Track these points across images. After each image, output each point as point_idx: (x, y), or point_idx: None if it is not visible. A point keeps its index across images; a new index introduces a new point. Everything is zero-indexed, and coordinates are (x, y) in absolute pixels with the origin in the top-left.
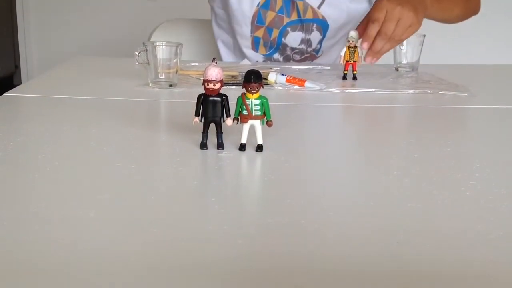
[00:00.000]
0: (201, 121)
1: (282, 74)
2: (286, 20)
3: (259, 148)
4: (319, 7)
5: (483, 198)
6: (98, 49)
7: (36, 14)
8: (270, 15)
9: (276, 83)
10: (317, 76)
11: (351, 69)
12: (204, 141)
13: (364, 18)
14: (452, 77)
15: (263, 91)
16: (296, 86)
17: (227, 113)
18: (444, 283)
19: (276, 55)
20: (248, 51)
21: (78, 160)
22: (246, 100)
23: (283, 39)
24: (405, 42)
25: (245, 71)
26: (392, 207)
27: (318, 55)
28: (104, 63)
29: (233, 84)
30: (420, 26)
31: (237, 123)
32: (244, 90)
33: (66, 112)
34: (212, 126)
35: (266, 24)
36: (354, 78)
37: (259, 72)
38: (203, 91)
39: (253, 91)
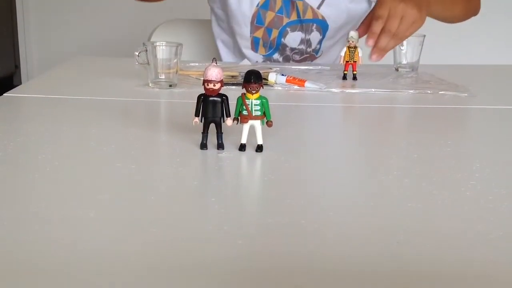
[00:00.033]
0: (201, 121)
1: (282, 74)
2: (285, 21)
3: (259, 148)
4: (318, 7)
5: (483, 198)
6: (98, 49)
7: (36, 14)
8: (269, 16)
9: (276, 83)
10: (317, 76)
11: (351, 69)
12: (204, 141)
13: (367, 16)
14: (452, 77)
15: (263, 91)
16: (296, 86)
17: (227, 113)
18: (444, 283)
19: (276, 56)
20: (248, 51)
21: (78, 160)
22: (246, 100)
23: (282, 40)
24: (405, 42)
25: (245, 71)
26: (392, 207)
27: (317, 55)
28: (104, 63)
29: (233, 84)
30: (423, 23)
31: (237, 123)
32: (244, 90)
33: (66, 112)
34: (212, 126)
35: (266, 24)
36: (354, 78)
37: (259, 72)
38: (203, 91)
39: (253, 91)
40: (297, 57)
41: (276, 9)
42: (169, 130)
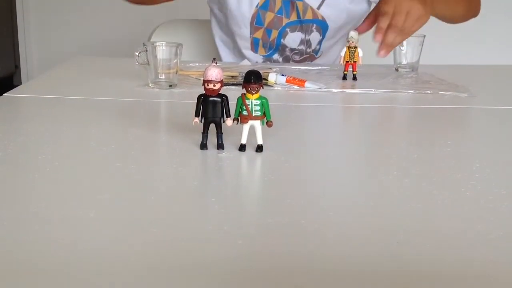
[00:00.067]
0: (201, 121)
1: (282, 75)
2: (285, 21)
3: (259, 148)
4: (318, 7)
5: (483, 198)
6: (98, 49)
7: (36, 14)
8: (269, 16)
9: (276, 83)
10: (317, 76)
11: (351, 69)
12: (204, 142)
13: (370, 12)
14: (452, 77)
15: (263, 91)
16: (296, 87)
17: (227, 113)
18: (444, 283)
19: (276, 56)
20: (248, 52)
21: (78, 160)
22: (246, 100)
23: (282, 40)
24: (405, 42)
25: (245, 71)
26: (392, 207)
27: (317, 56)
28: (104, 63)
29: (233, 84)
30: (428, 19)
31: (237, 124)
32: (244, 91)
33: (66, 112)
34: (212, 126)
35: (265, 25)
36: (354, 78)
37: (259, 72)
38: (203, 92)
39: (253, 92)
40: (297, 58)
41: (276, 9)
42: (169, 130)
